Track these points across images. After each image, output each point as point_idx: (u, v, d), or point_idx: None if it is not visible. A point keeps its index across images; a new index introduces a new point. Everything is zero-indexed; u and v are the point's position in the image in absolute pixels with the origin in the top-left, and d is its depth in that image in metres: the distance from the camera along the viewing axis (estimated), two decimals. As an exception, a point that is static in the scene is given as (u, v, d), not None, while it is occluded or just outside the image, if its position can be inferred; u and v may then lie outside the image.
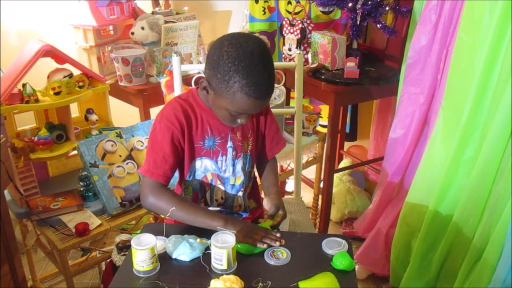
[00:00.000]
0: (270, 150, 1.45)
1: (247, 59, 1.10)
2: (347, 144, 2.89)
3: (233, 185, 1.36)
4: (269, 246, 1.18)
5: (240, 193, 1.38)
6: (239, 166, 1.35)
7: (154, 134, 1.25)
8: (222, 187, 1.36)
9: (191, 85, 1.88)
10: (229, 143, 1.32)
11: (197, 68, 2.04)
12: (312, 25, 2.26)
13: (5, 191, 1.66)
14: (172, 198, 1.23)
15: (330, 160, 2.20)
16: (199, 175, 1.33)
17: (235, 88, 1.11)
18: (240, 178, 1.36)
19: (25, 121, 1.96)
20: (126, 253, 1.58)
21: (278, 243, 1.18)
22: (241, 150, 1.34)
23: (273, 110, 1.48)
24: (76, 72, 1.91)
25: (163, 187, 1.25)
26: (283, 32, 2.33)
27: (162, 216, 1.26)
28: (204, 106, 1.28)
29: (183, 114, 1.25)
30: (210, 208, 1.37)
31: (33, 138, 1.83)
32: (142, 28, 2.11)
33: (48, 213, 1.69)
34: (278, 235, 1.20)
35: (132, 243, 1.10)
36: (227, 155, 1.32)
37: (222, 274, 1.10)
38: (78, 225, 1.64)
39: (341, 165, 2.74)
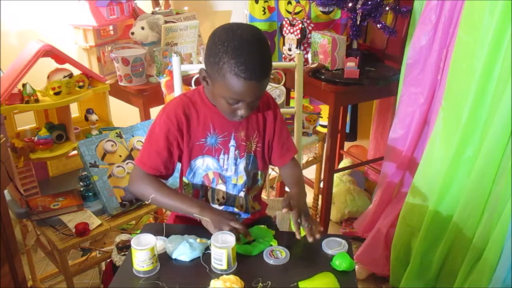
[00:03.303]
0: (281, 158, 1.41)
1: (236, 40, 1.11)
2: (347, 144, 2.89)
3: (235, 185, 1.36)
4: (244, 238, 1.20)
5: (242, 194, 1.38)
6: (241, 166, 1.34)
7: (153, 127, 1.28)
8: (223, 186, 1.36)
9: (191, 85, 1.88)
10: (232, 142, 1.31)
11: (197, 68, 2.02)
12: (312, 25, 2.26)
13: (5, 191, 1.66)
14: (155, 185, 1.26)
15: (330, 160, 2.20)
16: (200, 173, 1.33)
17: (225, 69, 1.11)
18: (242, 178, 1.36)
19: (25, 121, 1.96)
20: (126, 253, 1.58)
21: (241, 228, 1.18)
22: (244, 150, 1.34)
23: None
24: (76, 72, 1.91)
25: (150, 175, 1.28)
26: (283, 32, 2.33)
27: (146, 202, 1.29)
28: (209, 104, 1.28)
29: (184, 111, 1.27)
30: None
31: (33, 138, 1.83)
32: (142, 28, 2.11)
33: (48, 213, 1.69)
34: (240, 227, 1.20)
35: (132, 243, 1.10)
36: (229, 153, 1.32)
37: (222, 274, 1.10)
38: (78, 225, 1.64)
39: (341, 165, 2.74)
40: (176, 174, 1.36)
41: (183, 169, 1.34)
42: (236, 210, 1.39)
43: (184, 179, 1.36)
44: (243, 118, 1.24)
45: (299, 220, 1.21)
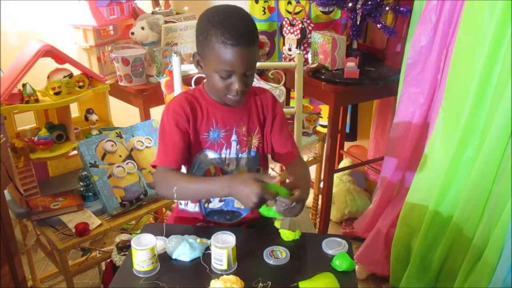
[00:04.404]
0: (286, 155, 1.37)
1: (221, 14, 1.17)
2: (347, 144, 2.88)
3: None
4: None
5: None
6: (243, 161, 1.34)
7: (163, 127, 1.28)
8: None
9: (191, 85, 1.88)
10: (234, 137, 1.32)
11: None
12: (312, 25, 2.26)
13: (5, 191, 1.66)
14: (177, 176, 1.22)
15: (330, 160, 2.20)
16: (203, 168, 1.33)
17: (213, 41, 1.15)
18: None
19: (25, 121, 1.96)
20: (126, 253, 1.58)
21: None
22: (246, 145, 1.34)
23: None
24: (76, 72, 1.91)
25: (172, 170, 1.24)
26: (283, 32, 2.32)
27: (175, 201, 1.25)
28: (210, 99, 1.30)
29: (188, 105, 1.28)
30: (211, 205, 1.37)
31: (33, 138, 1.83)
32: (142, 28, 2.11)
33: (48, 213, 1.70)
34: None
35: (132, 243, 1.10)
36: (231, 148, 1.32)
37: (222, 274, 1.10)
38: (78, 225, 1.64)
39: (341, 165, 2.74)
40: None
41: (187, 163, 1.34)
42: (236, 206, 1.39)
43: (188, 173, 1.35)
44: (239, 96, 1.23)
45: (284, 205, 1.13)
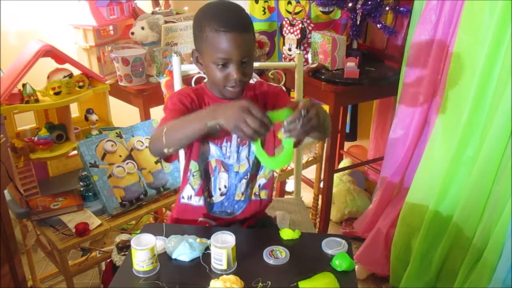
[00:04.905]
0: None
1: (214, 7, 1.22)
2: (347, 144, 2.89)
3: (237, 173, 1.36)
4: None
5: (244, 181, 1.37)
6: (243, 153, 1.34)
7: (166, 109, 1.29)
8: (225, 175, 1.36)
9: (191, 85, 1.88)
10: None
11: (197, 68, 2.04)
12: (312, 25, 2.26)
13: (5, 191, 1.66)
14: (166, 123, 1.16)
15: (330, 160, 2.20)
16: (205, 159, 1.33)
17: (207, 31, 1.19)
18: (244, 166, 1.35)
19: (25, 121, 1.96)
20: (126, 253, 1.58)
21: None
22: None
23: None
24: (76, 72, 1.91)
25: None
26: (283, 32, 2.33)
27: (165, 151, 1.16)
28: (212, 95, 1.31)
29: (193, 93, 1.30)
30: (214, 199, 1.37)
31: (33, 138, 1.83)
32: (142, 28, 2.11)
33: (48, 213, 1.70)
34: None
35: (132, 243, 1.10)
36: (231, 141, 1.32)
37: (222, 274, 1.10)
38: (78, 225, 1.64)
39: (341, 165, 2.74)
40: (176, 173, 1.34)
41: (193, 152, 1.32)
42: (236, 198, 1.38)
43: (194, 164, 1.34)
44: (238, 86, 1.23)
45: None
